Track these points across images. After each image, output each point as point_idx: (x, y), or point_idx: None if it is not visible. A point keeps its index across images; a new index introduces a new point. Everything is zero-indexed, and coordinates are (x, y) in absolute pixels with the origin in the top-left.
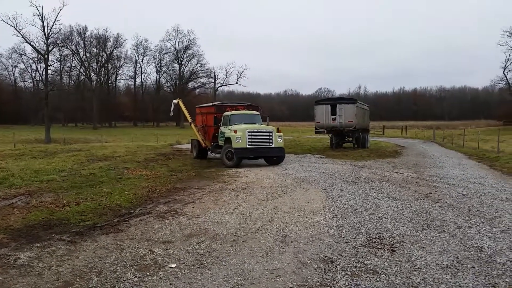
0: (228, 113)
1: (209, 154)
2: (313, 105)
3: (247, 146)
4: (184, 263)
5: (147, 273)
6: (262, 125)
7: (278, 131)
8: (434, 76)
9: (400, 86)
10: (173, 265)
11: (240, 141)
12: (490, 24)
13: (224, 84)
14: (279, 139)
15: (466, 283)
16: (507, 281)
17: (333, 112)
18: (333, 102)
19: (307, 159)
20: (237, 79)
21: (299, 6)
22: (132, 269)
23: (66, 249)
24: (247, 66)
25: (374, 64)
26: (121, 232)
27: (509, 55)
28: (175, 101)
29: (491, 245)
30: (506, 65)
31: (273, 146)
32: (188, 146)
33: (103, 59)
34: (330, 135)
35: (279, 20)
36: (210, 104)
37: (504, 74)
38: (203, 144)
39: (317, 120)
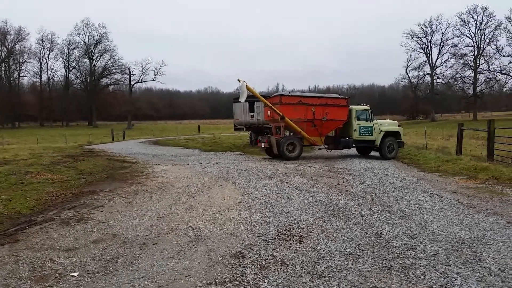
0: (366, 107)
1: (326, 147)
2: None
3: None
4: (88, 270)
5: (46, 284)
6: None
7: None
8: (345, 75)
9: (315, 85)
10: (76, 274)
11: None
12: (394, 24)
13: (140, 80)
14: None
15: (365, 267)
16: (400, 263)
17: (251, 109)
18: (251, 99)
19: (227, 156)
20: (155, 75)
21: (211, 8)
22: (29, 281)
23: None
24: (165, 63)
25: (288, 64)
26: (18, 242)
27: (410, 55)
28: (243, 80)
29: (389, 231)
30: (408, 65)
31: None
32: (103, 146)
33: (3, 54)
34: (249, 132)
35: (194, 20)
36: (336, 95)
37: (407, 73)
38: (312, 140)
39: (236, 118)
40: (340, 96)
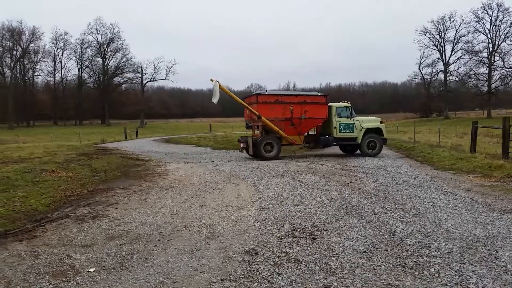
0: (346, 104)
1: (306, 146)
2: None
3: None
4: (103, 266)
5: (63, 279)
6: None
7: None
8: (357, 72)
9: (326, 82)
10: (92, 269)
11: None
12: (406, 20)
13: (152, 79)
14: None
15: (379, 265)
16: (414, 261)
17: None
18: None
19: (238, 154)
20: (167, 74)
21: (223, 7)
22: (47, 276)
23: None
24: (176, 61)
25: (299, 62)
26: (36, 238)
27: (423, 52)
28: (215, 80)
29: (403, 229)
30: (421, 62)
31: None
32: (116, 144)
33: (18, 53)
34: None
35: (205, 19)
36: (315, 93)
37: (420, 70)
38: (291, 140)
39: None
40: (319, 94)
